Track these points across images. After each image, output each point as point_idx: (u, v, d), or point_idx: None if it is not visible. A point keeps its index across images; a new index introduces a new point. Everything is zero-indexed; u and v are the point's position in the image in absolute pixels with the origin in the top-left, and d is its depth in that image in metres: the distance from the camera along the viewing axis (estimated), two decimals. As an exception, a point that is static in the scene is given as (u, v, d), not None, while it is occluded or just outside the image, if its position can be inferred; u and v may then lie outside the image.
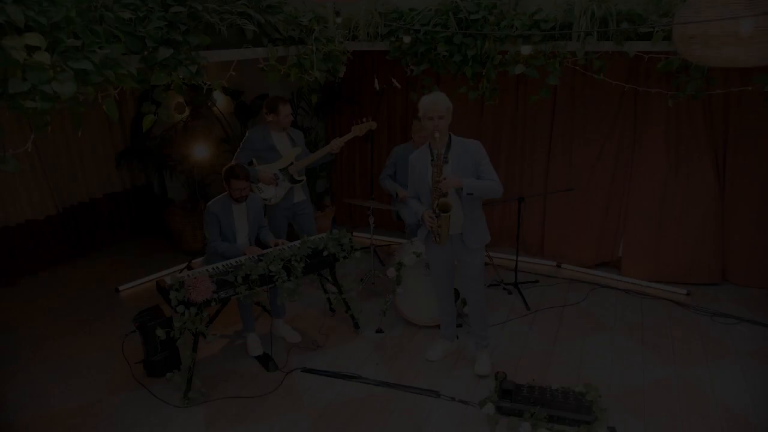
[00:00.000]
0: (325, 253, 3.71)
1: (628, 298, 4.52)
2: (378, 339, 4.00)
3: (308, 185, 4.48)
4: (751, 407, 3.19)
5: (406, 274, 3.97)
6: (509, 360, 3.71)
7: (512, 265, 4.71)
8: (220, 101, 5.68)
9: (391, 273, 3.97)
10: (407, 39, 4.29)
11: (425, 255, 3.65)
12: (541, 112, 4.93)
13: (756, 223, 4.43)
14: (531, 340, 3.95)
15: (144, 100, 3.11)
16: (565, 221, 5.08)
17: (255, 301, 4.25)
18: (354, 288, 3.93)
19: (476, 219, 3.28)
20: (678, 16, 3.25)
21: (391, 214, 5.86)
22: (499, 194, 3.20)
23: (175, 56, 3.03)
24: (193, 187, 5.43)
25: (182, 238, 5.52)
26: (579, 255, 5.09)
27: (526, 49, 3.84)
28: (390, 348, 3.89)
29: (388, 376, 3.57)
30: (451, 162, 3.18)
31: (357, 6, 4.61)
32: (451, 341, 3.79)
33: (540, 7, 4.08)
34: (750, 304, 4.33)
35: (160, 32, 2.96)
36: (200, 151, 4.97)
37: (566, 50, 4.02)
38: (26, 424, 3.18)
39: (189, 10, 3.21)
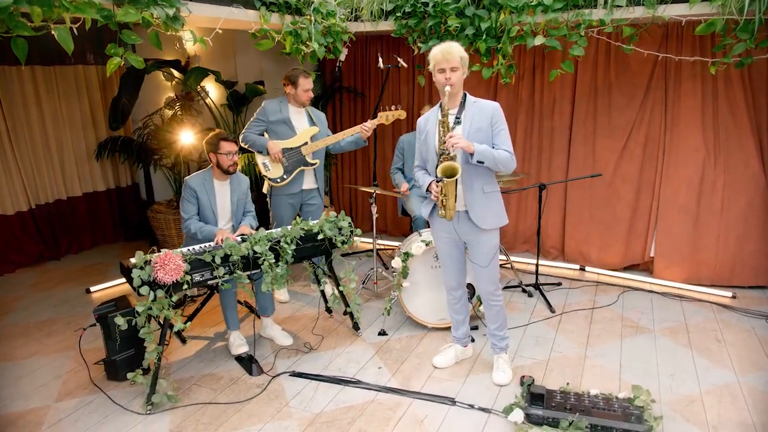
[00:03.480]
0: (320, 237, 3.21)
1: (665, 300, 3.97)
2: (380, 342, 3.44)
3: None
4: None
5: (413, 267, 3.46)
6: (535, 364, 3.15)
7: (530, 269, 4.18)
8: (213, 93, 5.31)
9: (396, 264, 3.45)
10: None
11: (432, 234, 3.11)
12: (560, 98, 4.50)
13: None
14: (559, 343, 3.39)
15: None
16: (588, 219, 4.57)
17: (240, 301, 3.74)
18: (354, 279, 3.38)
19: (490, 194, 2.75)
20: None
21: (395, 215, 5.41)
22: (510, 169, 2.71)
23: (148, -8, 2.62)
24: (179, 183, 4.97)
25: (167, 239, 5.03)
26: (605, 257, 4.56)
27: None
28: (395, 351, 3.32)
29: (392, 381, 3.01)
30: (463, 123, 2.70)
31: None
32: (464, 346, 3.20)
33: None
34: (807, 307, 3.79)
35: (131, -36, 2.57)
36: (186, 138, 4.53)
37: (591, 18, 3.62)
38: (-47, 433, 2.63)
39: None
